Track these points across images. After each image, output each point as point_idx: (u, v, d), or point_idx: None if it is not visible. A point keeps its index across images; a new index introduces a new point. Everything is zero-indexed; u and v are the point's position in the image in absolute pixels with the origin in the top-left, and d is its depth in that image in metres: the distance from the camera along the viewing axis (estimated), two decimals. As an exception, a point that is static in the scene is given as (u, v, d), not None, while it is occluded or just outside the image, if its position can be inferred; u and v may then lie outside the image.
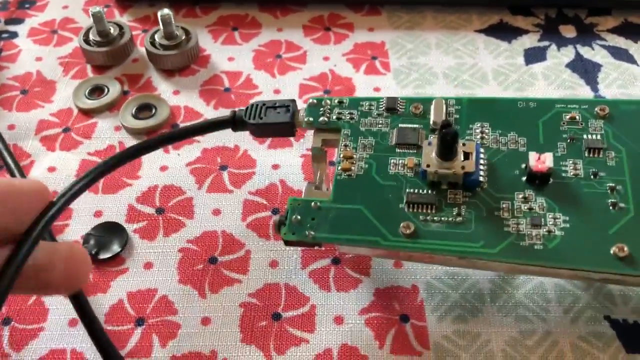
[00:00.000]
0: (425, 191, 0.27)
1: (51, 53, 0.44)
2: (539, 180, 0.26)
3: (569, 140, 0.28)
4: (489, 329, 0.29)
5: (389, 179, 0.27)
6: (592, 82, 0.40)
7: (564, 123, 0.28)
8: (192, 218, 0.34)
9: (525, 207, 0.26)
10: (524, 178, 0.27)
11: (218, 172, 0.36)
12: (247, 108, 0.31)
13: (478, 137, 0.28)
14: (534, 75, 0.40)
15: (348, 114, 0.30)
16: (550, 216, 0.25)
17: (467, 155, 0.26)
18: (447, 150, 0.26)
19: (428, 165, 0.26)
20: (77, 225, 0.34)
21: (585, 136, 0.28)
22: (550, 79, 0.40)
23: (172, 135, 0.32)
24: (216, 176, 0.36)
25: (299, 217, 0.27)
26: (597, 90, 0.39)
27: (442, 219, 0.26)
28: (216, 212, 0.34)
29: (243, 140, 0.37)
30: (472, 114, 0.29)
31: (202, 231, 0.33)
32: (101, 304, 0.31)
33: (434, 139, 0.27)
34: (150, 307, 0.30)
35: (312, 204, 0.27)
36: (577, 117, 0.28)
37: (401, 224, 0.26)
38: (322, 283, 0.31)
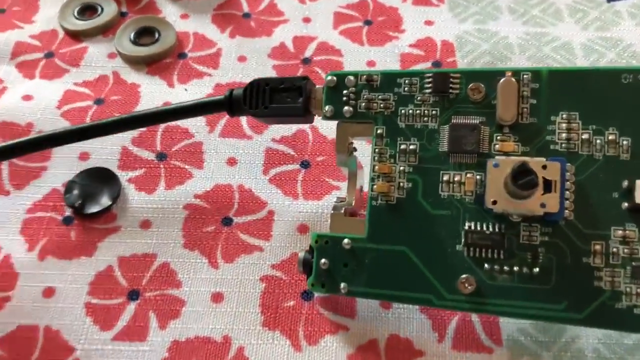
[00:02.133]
0: (490, 227, 0.20)
1: (34, -36, 0.36)
2: None
3: None
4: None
5: (441, 205, 0.21)
6: (689, 24, 0.33)
7: None
8: (201, 168, 0.28)
9: (625, 251, 0.20)
10: (625, 205, 0.20)
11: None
12: (244, 90, 0.23)
13: (563, 137, 0.21)
14: (618, 13, 0.33)
15: (381, 99, 0.22)
16: None
17: (548, 184, 0.19)
18: (523, 195, 0.19)
19: (494, 202, 0.20)
20: (58, 169, 0.28)
21: None
22: (639, 18, 0.33)
23: (143, 116, 0.25)
24: (231, 118, 0.29)
25: (327, 262, 0.22)
26: (697, 35, 0.32)
27: (514, 268, 0.20)
28: (231, 161, 0.28)
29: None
30: (555, 96, 0.21)
31: (214, 184, 0.27)
32: (85, 270, 0.25)
33: (502, 162, 0.20)
34: (147, 277, 0.24)
35: (344, 242, 0.21)
36: None
37: (460, 279, 0.20)
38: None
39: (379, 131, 0.22)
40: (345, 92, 0.22)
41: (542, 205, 0.19)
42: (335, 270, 0.22)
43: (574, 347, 0.22)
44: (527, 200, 0.19)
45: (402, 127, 0.22)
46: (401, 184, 0.22)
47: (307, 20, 0.33)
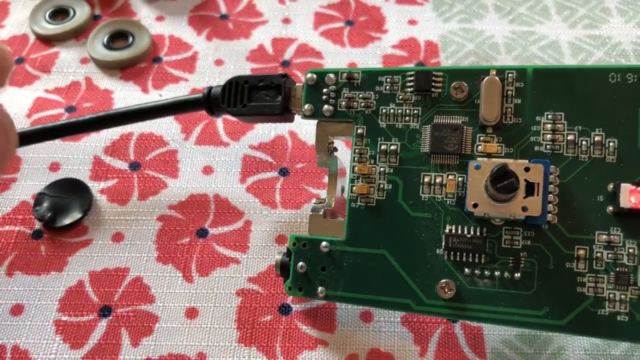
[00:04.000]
0: (471, 231, 0.20)
1: (5, -34, 0.35)
2: (630, 216, 0.19)
3: None
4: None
5: (422, 208, 0.21)
6: (678, 21, 0.32)
7: None
8: (175, 177, 0.27)
9: (609, 256, 0.19)
10: (610, 209, 0.19)
11: (210, 120, 0.28)
12: (223, 88, 0.23)
13: (548, 139, 0.20)
14: (607, 9, 0.32)
15: (362, 98, 0.21)
16: None
17: (531, 187, 0.19)
18: (503, 199, 0.19)
19: (475, 205, 0.19)
20: (27, 180, 0.27)
21: None
22: (628, 15, 0.32)
23: (116, 115, 0.24)
24: (208, 124, 0.28)
25: (305, 265, 0.21)
26: (686, 32, 0.31)
27: (495, 273, 0.20)
28: (207, 170, 0.27)
29: (243, 79, 0.30)
30: (541, 95, 0.20)
31: (189, 194, 0.26)
32: (55, 285, 0.24)
33: (483, 164, 0.19)
34: (120, 293, 0.23)
35: (322, 245, 0.21)
36: None
37: (439, 284, 0.20)
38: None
39: (359, 131, 0.21)
40: (325, 90, 0.22)
41: (524, 209, 0.19)
42: (313, 274, 0.21)
43: (559, 359, 0.22)
44: (508, 204, 0.19)
45: (383, 127, 0.21)
46: (381, 185, 0.21)
47: (286, 21, 0.32)
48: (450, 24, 0.32)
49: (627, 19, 0.32)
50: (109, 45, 0.31)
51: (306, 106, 0.22)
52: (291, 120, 0.23)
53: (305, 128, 0.28)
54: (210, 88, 0.23)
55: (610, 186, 0.19)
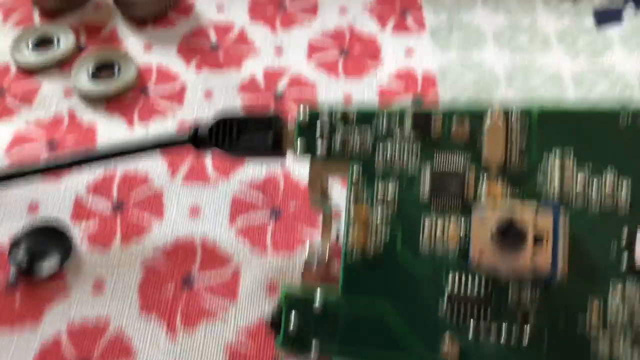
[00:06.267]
0: (475, 284, 0.19)
1: (-13, -8, 0.34)
2: None
3: None
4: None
5: (423, 257, 0.19)
6: (683, 51, 0.31)
7: None
8: (161, 218, 0.25)
9: (626, 312, 0.18)
10: (625, 260, 0.18)
11: (198, 156, 0.27)
12: (210, 128, 0.22)
13: (555, 180, 0.19)
14: (609, 40, 0.32)
15: (357, 138, 0.20)
16: None
17: (539, 238, 0.18)
18: (510, 249, 0.18)
19: (480, 258, 0.18)
20: (4, 223, 0.25)
21: None
22: (631, 44, 0.31)
23: (99, 154, 0.23)
24: (196, 161, 0.27)
25: (297, 321, 0.20)
26: (693, 63, 0.30)
27: (502, 331, 0.18)
28: (194, 210, 0.25)
29: (233, 113, 0.28)
30: (547, 137, 0.19)
31: (175, 237, 0.25)
32: (29, 340, 0.22)
33: (487, 214, 0.18)
34: (100, 347, 0.22)
35: (316, 298, 0.20)
36: None
37: (442, 341, 0.19)
38: (339, 317, 0.22)
39: (354, 172, 0.20)
40: (318, 129, 0.21)
41: (533, 262, 0.17)
42: (306, 328, 0.20)
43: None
44: (515, 255, 0.18)
45: (380, 168, 0.20)
46: (379, 231, 0.20)
47: (279, 51, 0.31)
48: (448, 54, 0.31)
49: (631, 49, 0.31)
50: (94, 76, 0.29)
51: (298, 145, 0.21)
52: (283, 159, 0.22)
53: (298, 167, 0.27)
54: (196, 129, 0.22)
55: (625, 235, 0.18)
